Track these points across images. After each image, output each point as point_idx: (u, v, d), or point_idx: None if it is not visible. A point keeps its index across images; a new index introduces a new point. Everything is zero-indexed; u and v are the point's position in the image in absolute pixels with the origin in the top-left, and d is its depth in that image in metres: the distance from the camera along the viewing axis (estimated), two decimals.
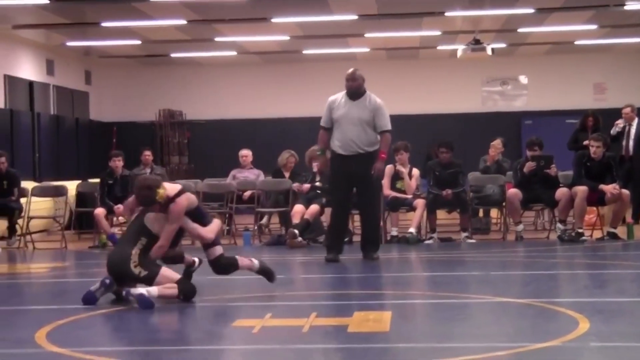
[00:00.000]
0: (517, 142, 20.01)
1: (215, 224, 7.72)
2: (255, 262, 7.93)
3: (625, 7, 16.25)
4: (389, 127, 10.16)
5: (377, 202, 10.71)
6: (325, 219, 12.38)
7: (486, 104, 22.51)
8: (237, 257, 7.85)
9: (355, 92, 10.21)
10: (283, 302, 7.44)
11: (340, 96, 10.31)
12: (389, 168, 12.64)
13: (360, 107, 10.14)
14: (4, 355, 5.65)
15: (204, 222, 7.61)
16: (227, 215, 13.77)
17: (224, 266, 7.72)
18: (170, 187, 7.42)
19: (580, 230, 11.99)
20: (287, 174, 13.55)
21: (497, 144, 14.14)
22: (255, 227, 13.47)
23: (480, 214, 13.97)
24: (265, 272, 7.93)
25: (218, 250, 7.69)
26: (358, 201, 10.44)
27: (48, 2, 14.45)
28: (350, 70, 10.35)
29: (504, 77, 22.59)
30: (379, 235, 10.83)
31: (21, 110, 17.86)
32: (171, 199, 7.25)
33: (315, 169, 12.80)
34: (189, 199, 7.43)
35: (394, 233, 12.45)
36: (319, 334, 6.10)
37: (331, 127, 10.24)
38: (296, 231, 11.83)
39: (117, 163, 13.13)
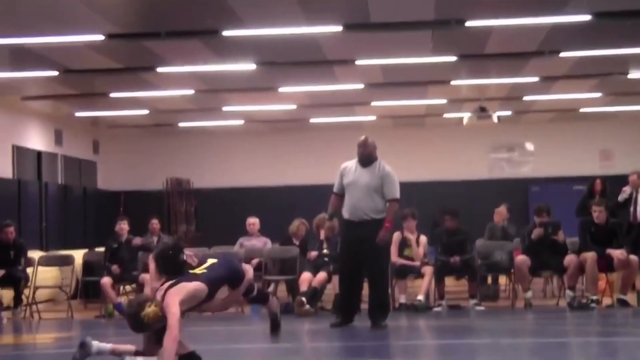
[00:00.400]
0: (525, 209, 19.99)
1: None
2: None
3: (629, 76, 16.41)
4: (396, 195, 10.19)
5: (384, 270, 10.60)
6: (333, 286, 12.34)
7: (493, 171, 22.56)
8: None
9: (366, 159, 10.31)
10: None
11: (352, 163, 10.43)
12: (396, 235, 12.62)
13: (369, 174, 10.21)
14: None
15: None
16: None
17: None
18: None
19: (594, 297, 11.90)
20: (297, 242, 13.52)
21: (501, 210, 14.12)
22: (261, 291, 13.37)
23: (489, 280, 13.90)
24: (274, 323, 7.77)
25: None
26: (365, 268, 10.37)
27: (57, 73, 14.60)
28: (362, 137, 10.49)
29: (511, 144, 22.68)
30: (387, 303, 10.72)
31: (29, 180, 17.94)
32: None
33: (322, 237, 12.78)
34: (181, 293, 6.59)
35: (403, 300, 12.36)
36: None
37: (342, 193, 10.33)
38: (304, 299, 11.76)
39: (122, 226, 13.18)
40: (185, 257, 6.90)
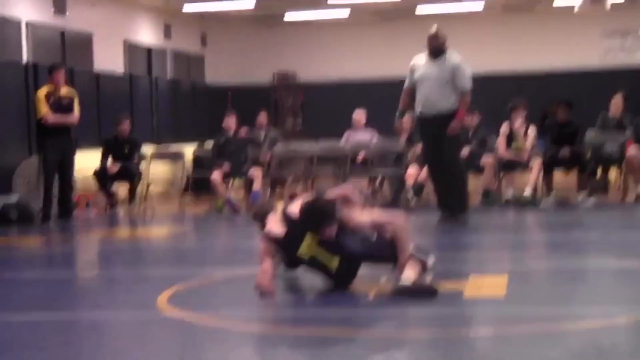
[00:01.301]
0: (639, 98, 19.41)
1: None
2: None
3: None
4: (468, 87, 9.98)
5: (455, 163, 10.22)
6: None
7: (605, 59, 21.90)
8: None
9: (436, 51, 10.08)
10: None
11: (422, 57, 10.25)
12: (504, 127, 12.46)
13: (440, 66, 10.01)
14: (127, 318, 5.83)
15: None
16: (341, 178, 13.85)
17: None
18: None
19: None
20: (403, 137, 13.47)
21: (617, 100, 13.69)
22: (369, 190, 13.47)
23: (599, 173, 13.63)
24: None
25: None
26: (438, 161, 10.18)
27: None
28: (433, 28, 10.25)
29: (625, 30, 21.91)
30: (463, 198, 10.27)
31: (140, 75, 18.25)
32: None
33: None
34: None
35: (510, 195, 12.28)
36: (435, 298, 6.10)
37: (414, 88, 10.17)
38: (410, 193, 11.80)
39: (230, 122, 13.32)
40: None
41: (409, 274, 6.00)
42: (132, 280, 7.35)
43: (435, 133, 9.94)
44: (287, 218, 6.26)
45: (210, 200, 13.34)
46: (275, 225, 6.27)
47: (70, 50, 15.75)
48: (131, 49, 18.24)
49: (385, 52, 22.19)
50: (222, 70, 22.33)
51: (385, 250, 6.15)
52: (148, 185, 13.48)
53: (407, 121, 13.36)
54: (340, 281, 6.19)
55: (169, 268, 7.98)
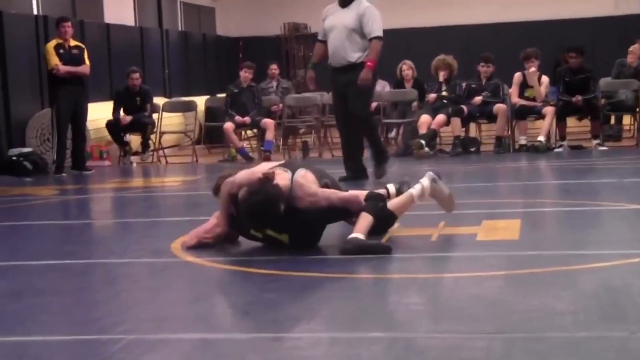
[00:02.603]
0: None
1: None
2: None
3: None
4: (377, 33, 9.27)
5: (364, 116, 9.53)
6: (452, 128, 12.31)
7: (619, 7, 21.66)
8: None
9: None
10: (411, 212, 7.44)
11: (333, 5, 9.56)
12: (517, 76, 12.41)
13: (348, 13, 9.30)
14: (143, 264, 5.88)
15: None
16: None
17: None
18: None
19: None
20: (407, 85, 13.43)
21: (635, 49, 13.55)
22: (382, 138, 13.44)
23: (612, 120, 13.59)
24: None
25: None
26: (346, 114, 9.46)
27: None
28: None
29: None
30: (379, 149, 9.74)
31: (150, 27, 18.19)
32: None
33: (441, 79, 12.67)
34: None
35: (523, 141, 12.26)
36: (448, 242, 6.13)
37: (325, 39, 9.51)
38: (423, 141, 11.79)
39: (247, 74, 13.29)
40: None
41: (361, 229, 5.77)
42: (146, 228, 7.39)
43: (344, 84, 9.29)
44: (235, 201, 5.89)
45: (223, 150, 13.36)
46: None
47: (80, 2, 15.70)
48: (141, 1, 18.16)
49: (395, 3, 22.02)
50: (233, 21, 22.24)
51: (341, 213, 5.98)
52: (161, 136, 13.50)
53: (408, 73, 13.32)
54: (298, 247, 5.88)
55: (182, 216, 8.02)
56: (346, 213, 6.01)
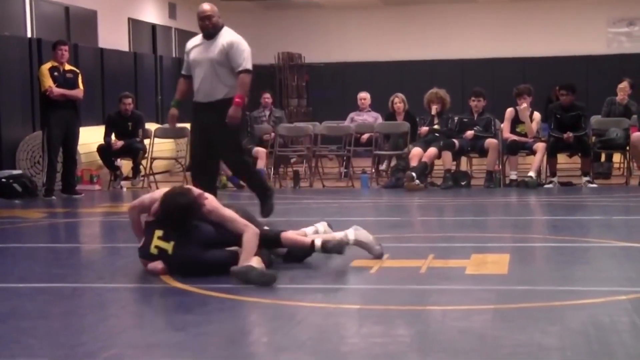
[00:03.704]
0: None
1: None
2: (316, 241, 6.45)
3: None
4: (245, 66, 8.60)
5: (235, 156, 8.89)
6: (443, 162, 12.34)
7: (611, 46, 21.85)
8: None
9: (208, 31, 8.67)
10: (400, 244, 7.46)
11: (197, 38, 8.89)
12: (509, 112, 12.47)
13: (213, 46, 8.63)
14: (131, 289, 5.86)
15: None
16: (344, 158, 13.87)
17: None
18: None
19: None
20: (399, 118, 13.49)
21: (624, 86, 13.65)
22: (373, 170, 13.49)
23: (603, 158, 13.65)
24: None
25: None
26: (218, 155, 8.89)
27: None
28: (203, 5, 8.77)
29: (631, 18, 21.85)
30: (261, 186, 8.99)
31: (144, 53, 18.24)
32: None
33: (433, 112, 12.73)
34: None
35: (513, 177, 12.28)
36: (436, 275, 6.11)
37: (190, 74, 8.81)
38: (414, 174, 11.81)
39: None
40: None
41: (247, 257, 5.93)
42: (135, 253, 7.36)
43: (211, 123, 8.58)
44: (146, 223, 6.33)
45: None
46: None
47: (75, 26, 15.74)
48: (135, 27, 18.22)
49: (390, 36, 22.18)
50: None
51: (231, 238, 6.12)
52: (152, 161, 13.50)
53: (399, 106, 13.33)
54: (175, 265, 6.06)
55: None
56: (235, 238, 6.10)
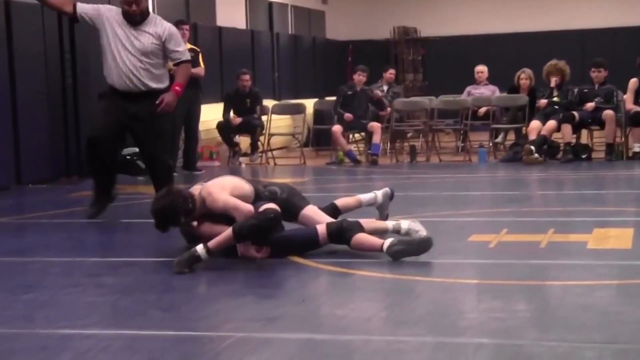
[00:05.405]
0: None
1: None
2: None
3: None
4: (187, 57, 8.10)
5: (164, 151, 8.30)
6: (562, 134, 12.10)
7: None
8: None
9: (137, 17, 7.87)
10: (519, 218, 7.37)
11: (114, 12, 7.97)
12: (632, 82, 12.14)
13: (143, 35, 7.88)
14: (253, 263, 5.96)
15: None
16: (462, 132, 13.76)
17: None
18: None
19: None
20: (523, 93, 13.25)
21: None
22: (491, 144, 13.33)
23: None
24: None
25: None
26: (143, 154, 8.53)
27: None
28: None
29: None
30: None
31: (261, 31, 18.41)
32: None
33: (552, 84, 12.48)
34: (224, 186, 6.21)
35: (637, 149, 11.94)
36: (557, 249, 6.02)
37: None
38: (532, 147, 11.62)
39: (361, 77, 13.29)
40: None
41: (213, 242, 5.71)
42: None
43: (135, 114, 7.93)
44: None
45: (331, 152, 13.43)
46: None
47: (194, 5, 15.99)
48: (252, 5, 18.40)
49: (506, 7, 21.81)
50: (342, 25, 22.34)
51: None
52: (270, 138, 13.65)
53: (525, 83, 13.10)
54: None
55: None
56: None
